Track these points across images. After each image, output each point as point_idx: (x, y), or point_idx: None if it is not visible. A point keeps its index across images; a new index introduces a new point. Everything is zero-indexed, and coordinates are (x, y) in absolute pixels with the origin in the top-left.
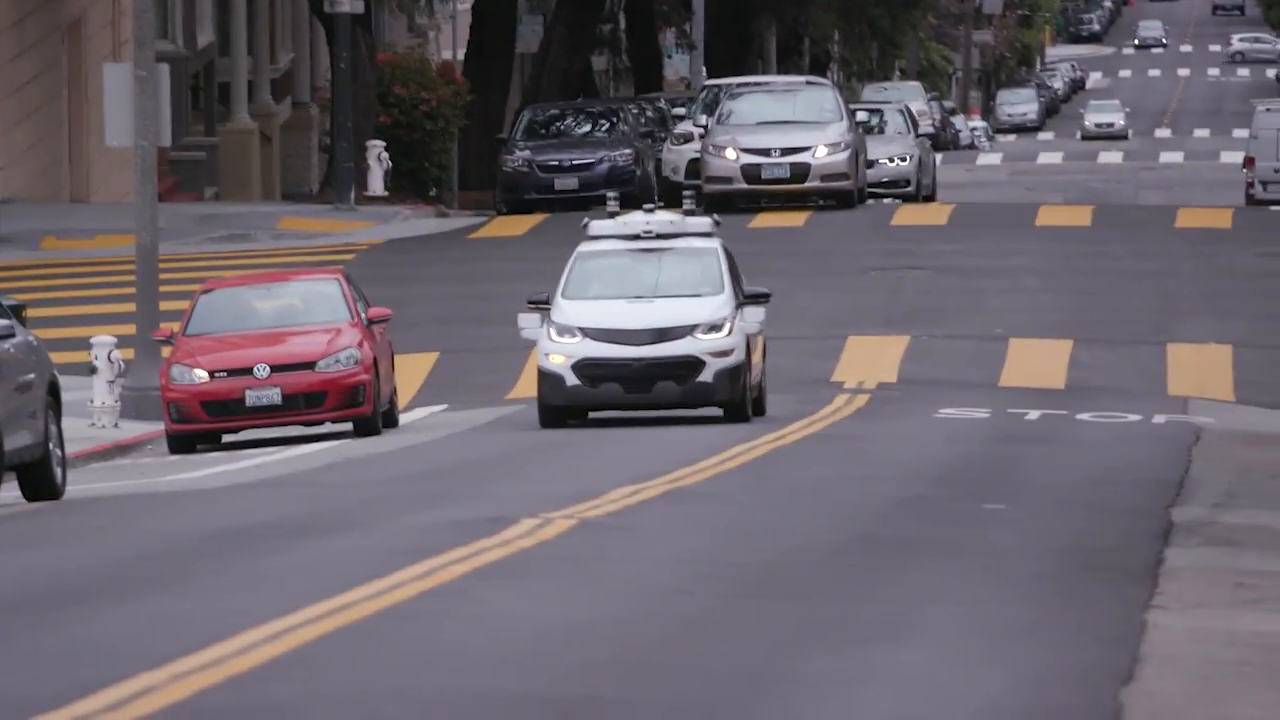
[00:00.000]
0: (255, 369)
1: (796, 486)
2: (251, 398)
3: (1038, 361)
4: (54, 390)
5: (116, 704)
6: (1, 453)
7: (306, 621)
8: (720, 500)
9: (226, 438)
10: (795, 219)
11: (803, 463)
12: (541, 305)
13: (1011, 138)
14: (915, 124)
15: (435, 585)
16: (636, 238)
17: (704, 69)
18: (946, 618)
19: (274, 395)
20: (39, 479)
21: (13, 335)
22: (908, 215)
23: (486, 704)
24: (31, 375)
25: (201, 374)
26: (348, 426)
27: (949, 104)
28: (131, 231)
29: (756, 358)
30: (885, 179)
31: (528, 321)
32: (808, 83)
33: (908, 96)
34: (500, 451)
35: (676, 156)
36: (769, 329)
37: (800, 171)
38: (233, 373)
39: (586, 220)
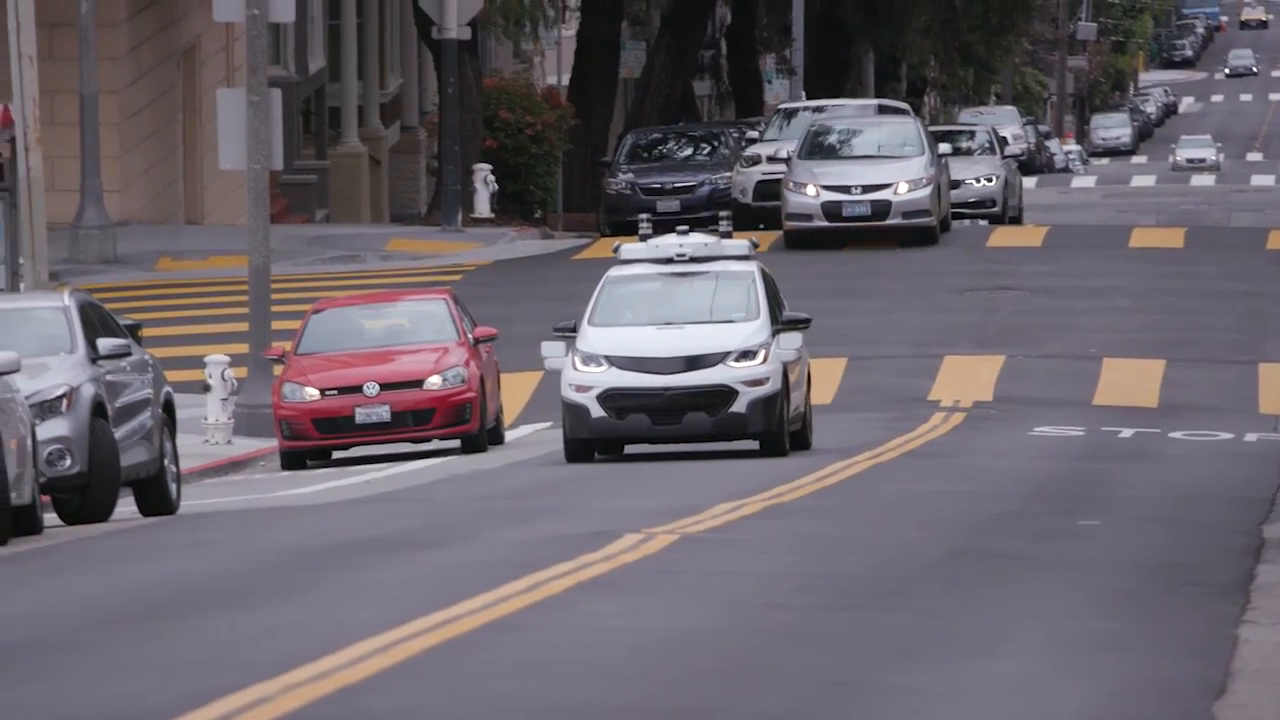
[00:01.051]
0: (365, 387)
1: (892, 502)
2: (361, 415)
3: (1131, 380)
4: (169, 408)
5: (230, 714)
6: (118, 469)
7: (415, 634)
8: (818, 515)
9: (336, 454)
10: (890, 240)
11: (899, 479)
12: (568, 333)
13: (1105, 161)
14: (1002, 145)
15: (540, 599)
16: (669, 261)
17: (803, 93)
18: (1038, 631)
19: (383, 413)
20: (154, 494)
21: (129, 354)
22: (1003, 237)
23: (589, 714)
24: (147, 393)
25: (313, 392)
26: (455, 443)
27: (1044, 128)
28: (244, 252)
29: (797, 388)
30: (971, 199)
31: (551, 350)
32: (881, 107)
33: (1003, 121)
34: (603, 468)
35: (745, 179)
36: (861, 348)
37: (881, 209)
38: (343, 390)
39: (618, 245)
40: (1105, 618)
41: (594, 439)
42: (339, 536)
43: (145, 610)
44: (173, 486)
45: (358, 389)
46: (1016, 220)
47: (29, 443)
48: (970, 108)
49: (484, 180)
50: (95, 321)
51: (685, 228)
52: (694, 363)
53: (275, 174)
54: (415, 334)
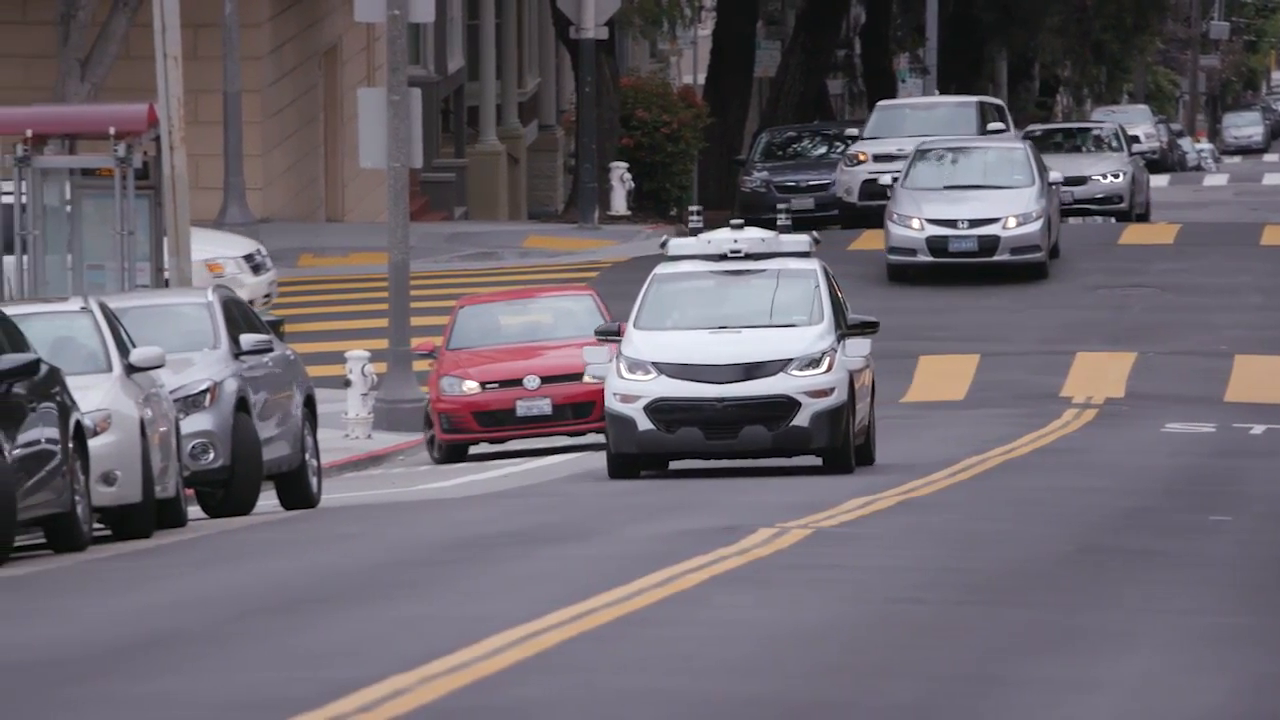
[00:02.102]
0: (525, 380)
1: (1024, 498)
2: (522, 408)
3: (1262, 377)
4: (310, 403)
5: (370, 705)
6: (260, 463)
7: (550, 627)
8: (950, 511)
9: (474, 449)
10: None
11: (1031, 474)
12: (611, 337)
13: (1237, 159)
14: (1129, 143)
15: (674, 592)
16: (722, 258)
17: (936, 92)
18: (1169, 625)
19: (544, 406)
20: (296, 488)
21: (271, 350)
22: (1134, 235)
23: (722, 707)
24: (289, 388)
25: (473, 385)
26: (587, 439)
27: (1176, 126)
28: (384, 249)
29: (863, 398)
30: (1099, 195)
31: (595, 356)
32: (981, 104)
33: (1135, 119)
34: (736, 461)
35: (850, 178)
36: (994, 345)
37: (989, 244)
38: (504, 384)
39: (665, 238)
40: (1236, 613)
41: (641, 454)
42: (476, 530)
43: (286, 602)
44: (313, 480)
45: (518, 382)
46: (1144, 217)
47: (173, 437)
48: (1102, 106)
49: (620, 178)
50: (238, 317)
51: (740, 220)
52: (751, 371)
53: (415, 172)
54: (559, 329)
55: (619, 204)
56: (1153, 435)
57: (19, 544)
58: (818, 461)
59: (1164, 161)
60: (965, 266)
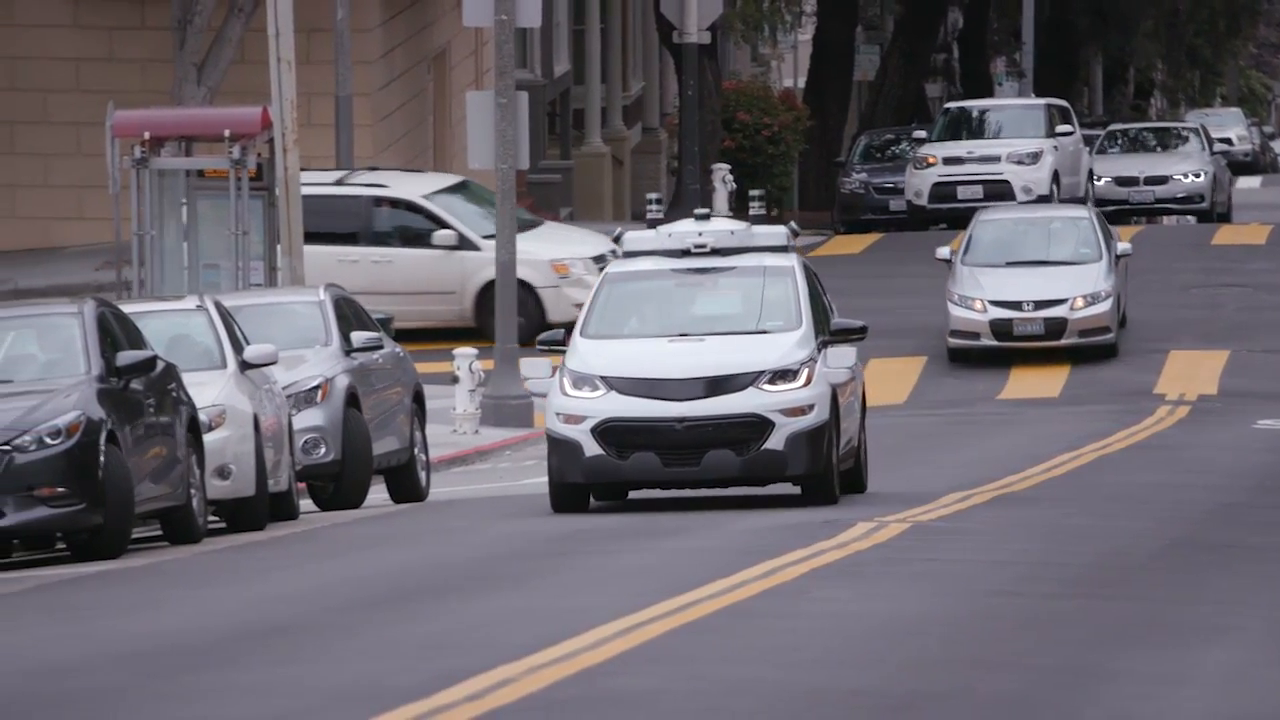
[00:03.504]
0: None
1: (1118, 493)
2: None
3: None
4: (419, 399)
5: (476, 694)
6: (370, 457)
7: (653, 618)
8: (1046, 505)
9: None
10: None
11: (1126, 470)
12: (555, 347)
13: None
14: (1210, 142)
15: (775, 585)
16: (685, 254)
17: (1033, 96)
18: (1261, 620)
19: None
20: (404, 482)
21: (381, 347)
22: (1227, 235)
23: (824, 697)
24: (398, 385)
25: None
26: None
27: (1268, 129)
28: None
29: (850, 415)
30: (1179, 194)
31: (534, 369)
32: (1049, 106)
33: (1228, 122)
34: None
35: (920, 181)
36: None
37: (1056, 327)
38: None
39: (619, 231)
40: None
41: (588, 484)
42: (581, 524)
43: (395, 593)
44: (422, 474)
45: None
46: (1225, 217)
47: (286, 432)
48: (1196, 109)
49: (722, 179)
50: (349, 315)
51: (705, 211)
52: (717, 385)
53: (521, 173)
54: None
55: (721, 205)
56: (1245, 432)
57: (136, 535)
58: (796, 490)
59: (1256, 164)
60: (1030, 351)
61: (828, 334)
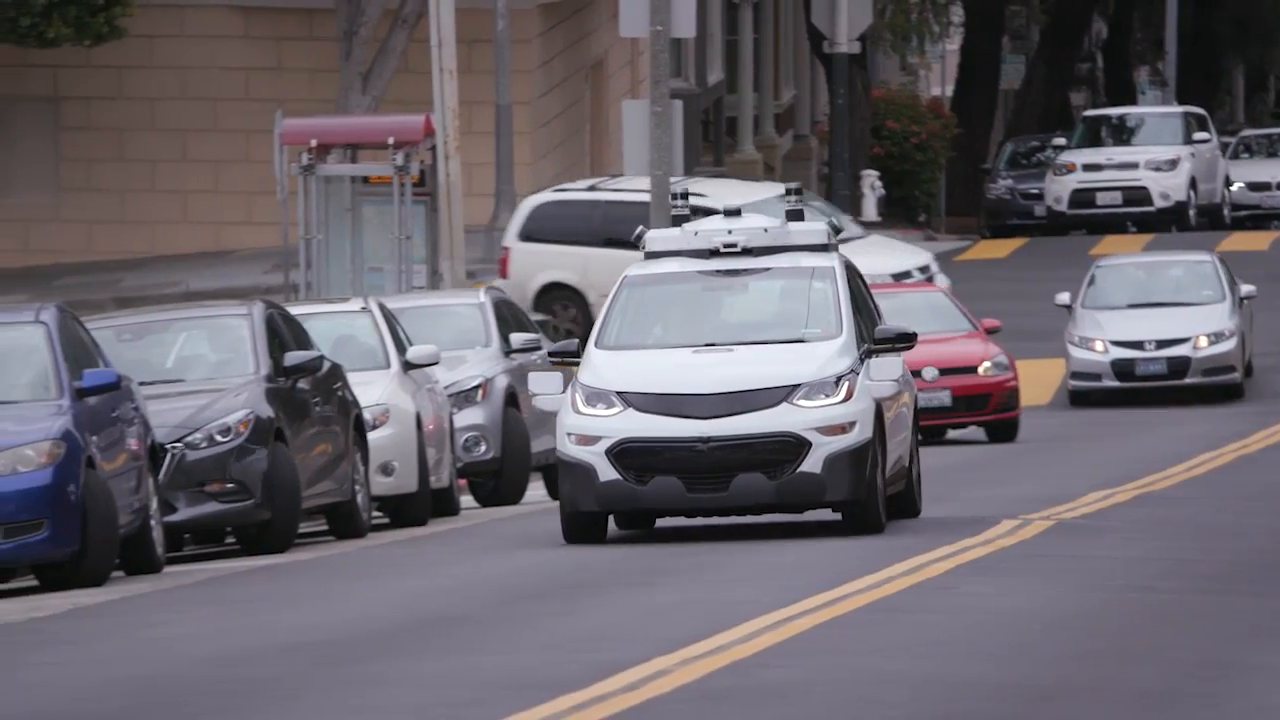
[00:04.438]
0: (923, 372)
1: (1260, 491)
2: (922, 399)
3: None
4: None
5: (633, 685)
6: (529, 455)
7: (804, 612)
8: (1186, 504)
9: None
10: (1259, 241)
11: (1267, 469)
12: (569, 359)
13: None
14: None
15: (921, 580)
16: (713, 255)
17: (1174, 104)
18: None
19: (944, 397)
20: None
21: (540, 348)
22: None
23: (969, 690)
24: None
25: None
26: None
27: None
28: None
29: (898, 432)
30: None
31: (543, 384)
32: (1186, 115)
33: None
34: (982, 457)
35: (1060, 187)
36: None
37: (1179, 366)
38: None
39: (640, 230)
40: None
41: (604, 510)
42: (732, 519)
43: (553, 588)
44: None
45: (916, 374)
46: None
47: (447, 430)
48: None
49: (871, 185)
50: (508, 317)
51: (736, 206)
52: (747, 401)
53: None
54: (935, 323)
55: (870, 210)
56: None
57: (303, 530)
58: (837, 516)
59: None
60: (1154, 390)
61: (873, 341)
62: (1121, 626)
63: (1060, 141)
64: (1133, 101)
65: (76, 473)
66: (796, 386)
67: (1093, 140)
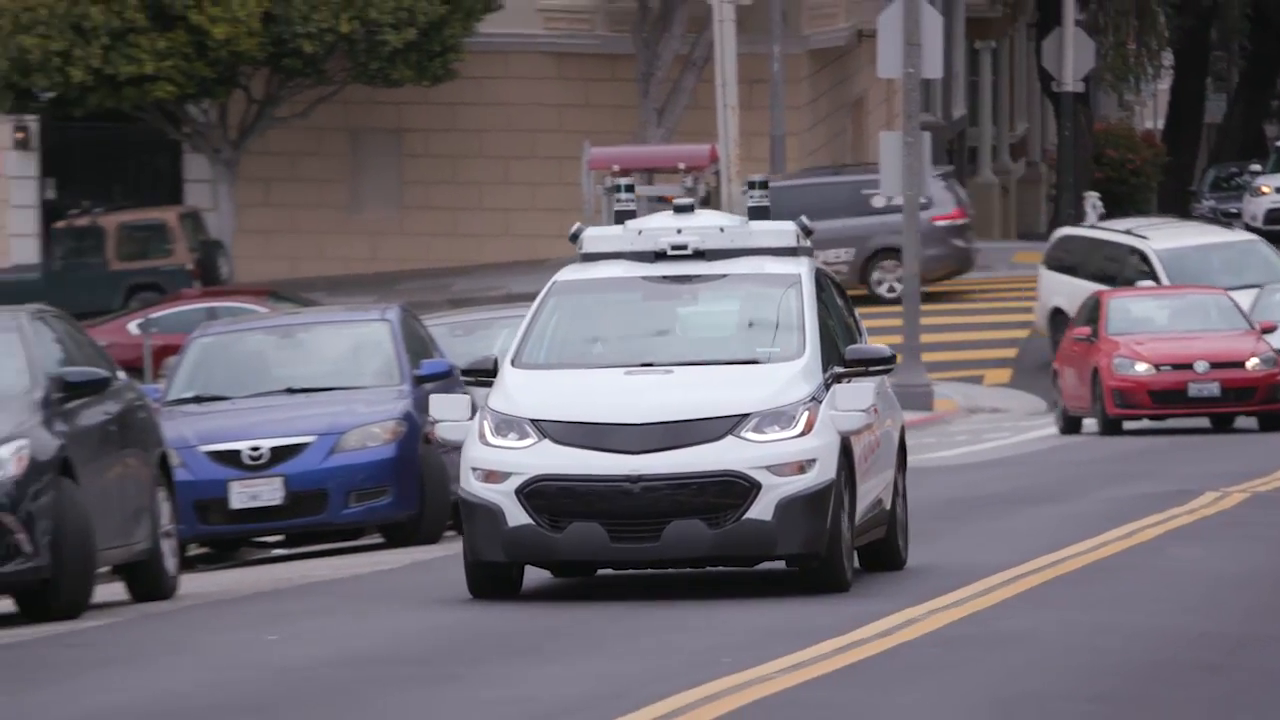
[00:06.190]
0: (1195, 364)
1: None
2: (1194, 389)
3: None
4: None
5: (888, 632)
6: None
7: (1032, 570)
8: None
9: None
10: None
11: None
12: (482, 378)
13: None
14: None
15: (1134, 544)
16: (659, 257)
17: None
18: None
19: (1213, 389)
20: None
21: None
22: None
23: (1174, 637)
24: None
25: (1147, 367)
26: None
27: None
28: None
29: (875, 473)
30: None
31: (446, 408)
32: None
33: None
34: (1192, 439)
35: (1255, 207)
36: None
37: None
38: (1176, 366)
39: (577, 226)
40: None
41: (511, 561)
42: (964, 492)
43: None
44: None
45: (1189, 366)
46: None
47: None
48: None
49: (1093, 205)
50: None
51: (688, 201)
52: (684, 433)
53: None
54: (1210, 321)
55: None
56: None
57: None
58: (793, 569)
59: None
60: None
61: (841, 364)
62: None
63: (1256, 168)
64: None
65: (415, 448)
66: (745, 416)
67: None
